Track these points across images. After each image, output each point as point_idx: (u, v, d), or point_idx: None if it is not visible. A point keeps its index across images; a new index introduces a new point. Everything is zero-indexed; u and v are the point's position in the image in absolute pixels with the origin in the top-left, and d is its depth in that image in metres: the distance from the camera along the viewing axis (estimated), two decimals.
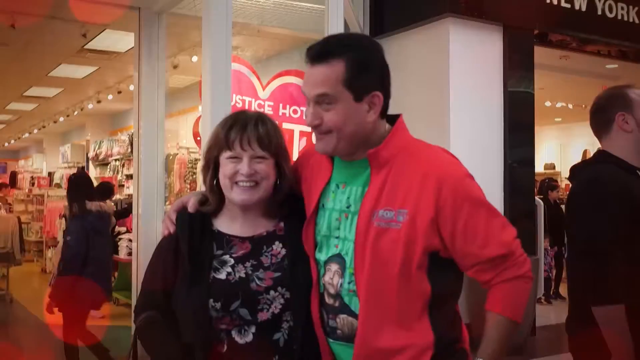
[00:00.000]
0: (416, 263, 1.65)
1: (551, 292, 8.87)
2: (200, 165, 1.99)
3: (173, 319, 1.81)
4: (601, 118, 2.42)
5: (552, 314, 7.63)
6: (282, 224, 1.89)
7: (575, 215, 2.34)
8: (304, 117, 1.75)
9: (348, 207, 1.76)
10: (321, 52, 1.68)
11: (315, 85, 1.67)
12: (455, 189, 1.65)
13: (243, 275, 1.79)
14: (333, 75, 1.65)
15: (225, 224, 1.87)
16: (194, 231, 1.81)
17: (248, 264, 1.81)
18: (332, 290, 1.77)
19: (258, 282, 1.79)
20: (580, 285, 2.26)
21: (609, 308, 2.08)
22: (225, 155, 1.80)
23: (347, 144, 1.71)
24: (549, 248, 8.40)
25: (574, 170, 2.53)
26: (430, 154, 1.75)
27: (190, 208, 1.86)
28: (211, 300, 1.74)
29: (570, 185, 2.49)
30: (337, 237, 1.77)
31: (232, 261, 1.80)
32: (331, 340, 1.79)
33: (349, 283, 1.73)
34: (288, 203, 1.90)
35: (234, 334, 1.76)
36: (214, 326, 1.75)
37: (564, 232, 8.51)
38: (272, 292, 1.78)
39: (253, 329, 1.76)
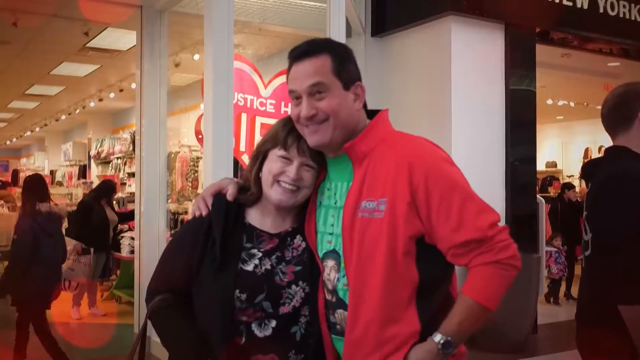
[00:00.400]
0: (402, 250, 1.66)
1: (562, 294, 8.54)
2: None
3: (187, 304, 1.82)
4: (621, 114, 2.38)
5: (554, 312, 7.63)
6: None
7: (603, 212, 2.29)
8: (295, 114, 1.79)
9: (335, 203, 1.81)
10: (307, 50, 1.77)
11: (307, 77, 1.74)
12: (427, 171, 1.67)
13: (269, 267, 1.81)
14: (323, 66, 1.74)
15: (257, 218, 1.88)
16: (228, 220, 1.82)
17: (273, 257, 1.83)
18: (329, 286, 1.80)
19: (281, 276, 1.81)
20: (605, 282, 2.22)
21: (638, 308, 2.03)
22: (277, 152, 1.83)
23: (341, 131, 1.76)
24: (561, 247, 8.23)
25: (591, 167, 2.49)
26: (407, 143, 1.78)
27: (230, 196, 1.87)
28: (237, 290, 1.75)
29: (589, 182, 2.44)
30: (330, 234, 1.81)
31: (260, 255, 1.82)
32: (333, 335, 1.82)
33: (343, 277, 1.76)
34: None
35: (253, 327, 1.77)
36: (235, 317, 1.76)
37: (577, 231, 8.36)
38: (293, 287, 1.81)
39: (273, 323, 1.77)
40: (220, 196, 1.88)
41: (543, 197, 7.91)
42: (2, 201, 10.04)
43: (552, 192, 11.24)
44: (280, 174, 1.81)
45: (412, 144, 1.78)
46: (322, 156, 1.85)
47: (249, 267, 1.79)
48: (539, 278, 5.95)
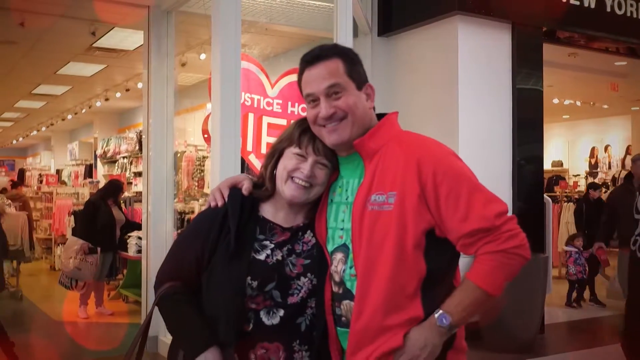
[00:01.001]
0: (412, 242, 1.72)
1: (589, 297, 8.18)
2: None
3: (195, 293, 1.89)
4: None
5: (561, 313, 7.61)
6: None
7: None
8: (313, 116, 1.86)
9: (347, 199, 1.88)
10: (320, 54, 1.86)
11: (323, 79, 1.83)
12: (435, 165, 1.74)
13: (280, 258, 1.87)
14: (338, 68, 1.84)
15: (270, 212, 1.95)
16: (243, 211, 1.89)
17: (284, 249, 1.89)
18: (337, 278, 1.85)
19: (291, 267, 1.87)
20: None
21: None
22: (293, 150, 1.90)
23: (358, 129, 1.84)
24: (581, 248, 7.89)
25: None
26: (415, 140, 1.86)
27: (246, 190, 1.93)
28: (249, 277, 1.81)
29: None
30: (341, 229, 1.87)
31: (272, 246, 1.89)
32: (339, 328, 1.87)
33: (350, 268, 1.82)
34: None
35: (262, 314, 1.83)
36: (244, 304, 1.82)
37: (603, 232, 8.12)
38: (302, 279, 1.87)
39: (281, 313, 1.84)
40: (236, 189, 1.94)
41: (549, 196, 7.90)
42: (10, 201, 10.05)
43: (558, 191, 11.20)
44: (294, 170, 1.87)
45: (420, 141, 1.85)
46: (334, 157, 1.91)
47: (261, 257, 1.85)
48: (546, 278, 5.95)
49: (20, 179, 18.04)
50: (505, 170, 6.17)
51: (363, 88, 1.88)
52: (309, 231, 1.94)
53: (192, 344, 1.80)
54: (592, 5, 6.76)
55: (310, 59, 1.86)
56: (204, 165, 8.47)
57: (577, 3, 6.65)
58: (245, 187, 1.94)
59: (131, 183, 12.00)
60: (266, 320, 1.82)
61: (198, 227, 1.93)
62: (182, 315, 1.86)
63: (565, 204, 10.45)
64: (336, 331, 1.87)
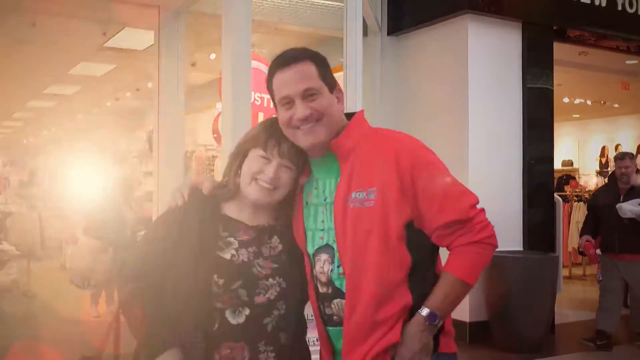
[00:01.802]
0: (395, 235, 1.76)
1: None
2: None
3: (158, 294, 1.84)
4: None
5: (571, 313, 7.58)
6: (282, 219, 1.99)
7: None
8: (287, 117, 1.85)
9: (325, 200, 1.90)
10: (292, 57, 1.88)
11: (298, 82, 1.84)
12: (412, 158, 1.80)
13: (246, 259, 1.86)
14: (311, 72, 1.87)
15: (234, 211, 1.94)
16: (205, 210, 1.89)
17: (250, 250, 1.88)
18: (323, 279, 1.88)
19: (259, 268, 1.87)
20: None
21: None
22: (257, 152, 1.89)
23: (332, 130, 1.87)
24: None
25: None
26: (389, 136, 1.90)
27: (205, 190, 1.94)
28: (215, 275, 1.80)
29: None
30: (322, 230, 1.89)
31: (237, 244, 1.88)
32: (330, 328, 1.89)
33: (338, 267, 1.84)
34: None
35: (227, 313, 1.81)
36: (210, 303, 1.80)
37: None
38: (270, 280, 1.87)
39: (247, 312, 1.82)
40: (197, 189, 1.95)
41: (560, 195, 7.87)
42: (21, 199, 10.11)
43: (569, 191, 11.15)
44: (258, 172, 1.87)
45: (394, 136, 1.90)
46: (301, 158, 1.92)
47: (227, 255, 1.84)
48: (556, 277, 5.93)
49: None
50: (515, 170, 6.15)
51: (334, 90, 1.91)
52: (275, 237, 1.94)
53: (150, 346, 1.78)
54: (603, 4, 6.73)
55: (283, 62, 1.88)
56: (213, 165, 8.50)
57: (588, 2, 6.62)
58: (205, 187, 1.94)
59: (141, 183, 12.03)
60: (232, 319, 1.81)
61: (158, 229, 1.94)
62: (142, 316, 1.82)
63: (576, 203, 10.40)
64: (327, 331, 1.89)
